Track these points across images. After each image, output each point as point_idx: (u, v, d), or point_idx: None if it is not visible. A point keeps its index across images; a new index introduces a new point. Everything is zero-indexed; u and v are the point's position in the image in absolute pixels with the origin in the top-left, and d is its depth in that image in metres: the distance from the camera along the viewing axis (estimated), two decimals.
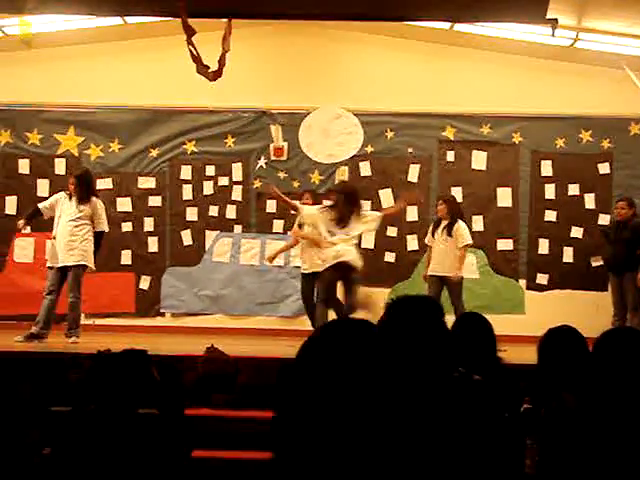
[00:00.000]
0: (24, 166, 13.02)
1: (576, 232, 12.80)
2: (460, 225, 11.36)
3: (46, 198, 12.80)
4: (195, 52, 8.54)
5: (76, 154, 13.02)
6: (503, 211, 12.90)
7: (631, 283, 11.28)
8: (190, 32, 8.29)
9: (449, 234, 11.33)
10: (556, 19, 9.62)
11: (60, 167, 13.00)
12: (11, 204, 12.96)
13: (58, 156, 13.02)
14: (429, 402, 1.70)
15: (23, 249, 12.96)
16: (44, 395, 6.87)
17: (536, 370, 3.92)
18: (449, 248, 11.32)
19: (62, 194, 10.83)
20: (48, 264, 10.79)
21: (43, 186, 12.97)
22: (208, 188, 13.00)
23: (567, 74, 12.60)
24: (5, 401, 6.11)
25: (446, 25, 11.72)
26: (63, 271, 10.60)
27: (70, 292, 10.64)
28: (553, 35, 11.14)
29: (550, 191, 12.86)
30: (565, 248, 12.81)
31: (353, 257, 10.33)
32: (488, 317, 5.52)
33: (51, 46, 12.45)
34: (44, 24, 11.69)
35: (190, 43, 8.39)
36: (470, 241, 11.38)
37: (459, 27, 11.80)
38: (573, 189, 12.84)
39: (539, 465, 3.58)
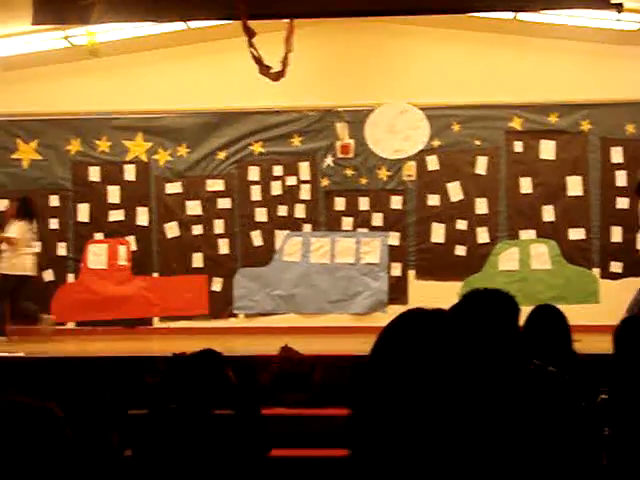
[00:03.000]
0: (94, 173, 13.19)
1: None
2: (13, 223, 11.90)
3: (117, 205, 13.08)
4: (256, 53, 8.59)
5: (145, 160, 13.17)
6: (574, 200, 12.76)
7: None
8: (250, 34, 8.33)
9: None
10: (621, 3, 9.52)
11: (130, 173, 13.16)
12: (83, 211, 13.14)
13: (127, 162, 13.18)
14: (506, 395, 1.69)
15: (97, 255, 13.13)
16: (122, 398, 6.97)
17: (612, 359, 3.87)
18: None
19: None
20: None
21: (114, 193, 13.15)
22: (276, 188, 13.05)
23: (635, 58, 12.41)
24: (86, 405, 6.22)
25: (509, 15, 11.63)
26: None
27: None
28: (619, 20, 11.06)
29: (621, 178, 12.67)
30: (639, 235, 12.64)
31: None
32: (562, 307, 5.50)
33: (116, 54, 12.57)
34: (109, 33, 11.84)
35: (251, 45, 8.44)
36: (11, 235, 11.80)
37: (522, 16, 11.69)
38: None
39: (612, 454, 3.55)
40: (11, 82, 12.72)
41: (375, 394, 1.68)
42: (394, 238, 12.91)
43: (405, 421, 1.63)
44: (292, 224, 13.02)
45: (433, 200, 12.84)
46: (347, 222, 12.99)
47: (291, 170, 13.03)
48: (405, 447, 1.63)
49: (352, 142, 12.97)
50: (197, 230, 13.07)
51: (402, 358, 1.68)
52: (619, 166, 12.71)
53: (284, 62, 9.54)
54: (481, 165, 12.89)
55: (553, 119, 12.78)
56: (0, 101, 12.75)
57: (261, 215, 13.04)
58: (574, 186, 12.77)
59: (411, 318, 1.76)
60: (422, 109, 12.84)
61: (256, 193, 13.06)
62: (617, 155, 12.71)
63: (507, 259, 12.80)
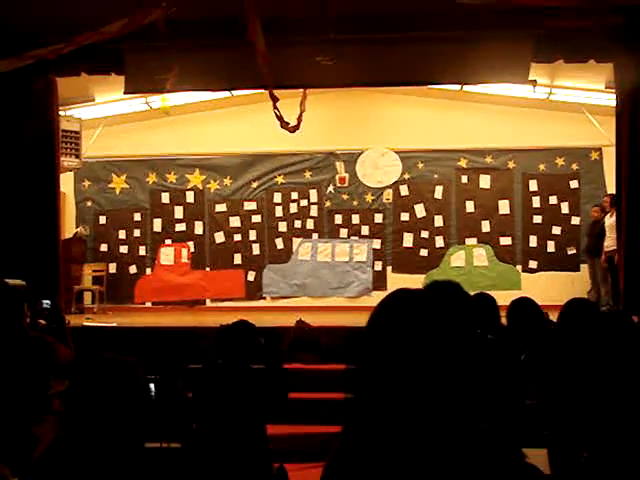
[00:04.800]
0: (165, 197, 13.19)
1: (555, 230, 12.60)
2: None
3: (181, 219, 13.09)
4: (279, 113, 8.54)
5: (201, 188, 13.17)
6: (503, 217, 12.74)
7: (599, 264, 11.15)
8: (275, 99, 8.30)
9: None
10: (535, 80, 9.55)
11: (190, 197, 13.17)
12: (157, 224, 13.17)
13: (188, 189, 13.19)
14: (463, 353, 1.69)
15: (167, 255, 13.15)
16: (184, 356, 6.95)
17: (507, 328, 3.88)
18: None
19: None
20: None
21: (179, 211, 13.17)
22: (293, 208, 13.04)
23: (545, 118, 12.39)
24: (160, 360, 6.19)
25: (458, 87, 11.62)
26: None
27: None
28: (534, 91, 11.09)
29: (536, 201, 12.67)
30: (548, 242, 12.63)
31: None
32: (494, 293, 5.48)
33: (181, 114, 12.62)
34: (176, 99, 11.86)
35: (275, 107, 8.40)
36: None
37: (467, 88, 11.68)
38: (552, 200, 12.64)
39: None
40: (109, 134, 12.72)
41: (374, 351, 1.67)
42: (377, 243, 12.89)
43: (397, 369, 1.62)
44: (304, 233, 13.01)
45: (404, 216, 12.84)
46: (343, 232, 12.97)
47: (304, 195, 13.03)
48: (387, 388, 1.61)
49: (347, 175, 12.97)
50: (237, 237, 13.06)
51: (394, 322, 1.67)
52: (534, 193, 12.70)
53: (299, 119, 9.53)
54: (438, 192, 12.87)
55: (489, 160, 12.77)
56: (101, 147, 12.71)
57: (282, 227, 13.03)
58: (503, 207, 12.76)
59: (400, 294, 1.76)
60: (396, 152, 12.84)
61: (279, 211, 13.06)
62: (533, 185, 12.70)
63: (456, 258, 12.79)
